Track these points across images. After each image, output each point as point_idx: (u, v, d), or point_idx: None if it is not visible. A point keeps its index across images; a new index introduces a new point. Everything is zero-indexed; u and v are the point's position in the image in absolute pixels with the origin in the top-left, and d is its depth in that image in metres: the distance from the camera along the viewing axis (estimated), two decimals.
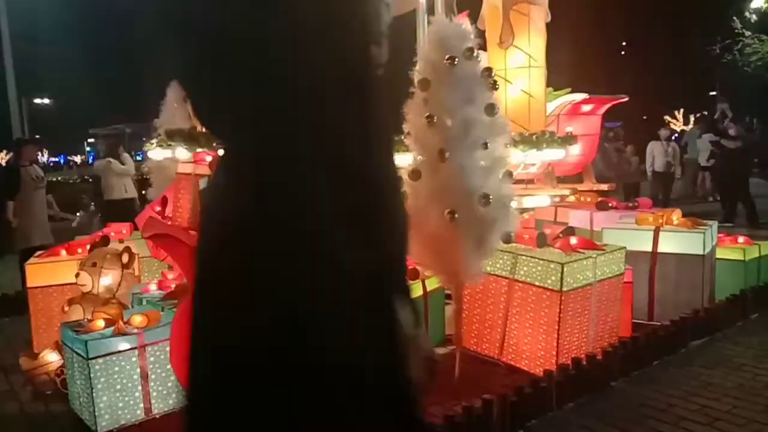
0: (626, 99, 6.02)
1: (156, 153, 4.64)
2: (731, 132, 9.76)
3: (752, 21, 24.75)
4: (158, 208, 3.82)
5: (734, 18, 24.71)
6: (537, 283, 3.33)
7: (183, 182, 3.05)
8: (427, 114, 3.20)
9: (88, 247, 4.03)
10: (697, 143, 12.81)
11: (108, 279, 3.58)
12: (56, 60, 32.42)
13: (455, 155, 3.13)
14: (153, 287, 3.61)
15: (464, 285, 3.33)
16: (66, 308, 3.54)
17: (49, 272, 3.90)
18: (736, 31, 24.62)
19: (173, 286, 3.48)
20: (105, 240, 4.13)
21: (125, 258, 3.66)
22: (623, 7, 25.71)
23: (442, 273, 3.29)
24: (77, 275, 3.57)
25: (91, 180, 14.73)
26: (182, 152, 4.19)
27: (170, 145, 4.33)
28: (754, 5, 25.34)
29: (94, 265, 3.58)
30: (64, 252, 4.13)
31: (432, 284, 3.69)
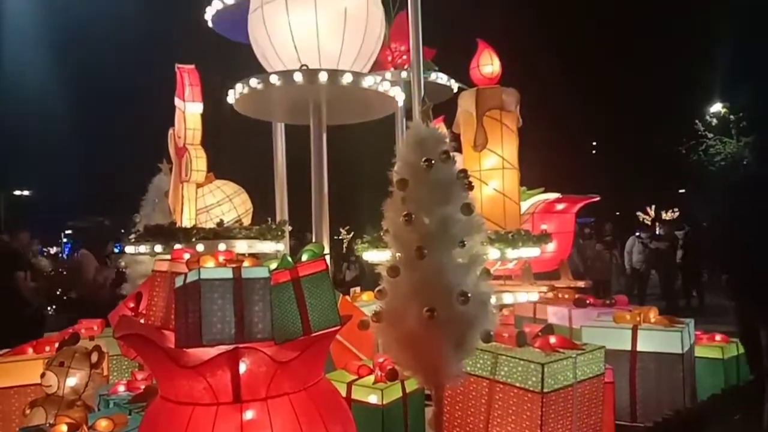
0: (598, 199, 6.23)
1: (133, 248, 4.62)
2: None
3: (713, 124, 26.25)
4: (132, 304, 3.75)
5: (696, 121, 26.22)
6: (518, 384, 3.28)
7: (159, 279, 3.02)
8: (405, 212, 3.27)
9: (56, 345, 3.90)
10: None
11: (74, 379, 3.44)
12: (37, 152, 32.74)
13: (433, 253, 3.16)
14: (121, 388, 3.47)
15: (444, 386, 3.26)
16: (27, 411, 3.36)
17: (14, 372, 3.74)
18: (699, 133, 26.04)
19: (143, 387, 3.35)
20: (75, 337, 4.00)
21: (94, 357, 3.54)
22: (591, 109, 27.12)
23: (421, 373, 3.23)
24: (43, 375, 3.42)
25: (65, 273, 14.46)
26: (160, 248, 4.18)
27: (148, 240, 4.32)
28: (713, 109, 26.96)
29: (62, 364, 3.45)
30: (30, 350, 3.98)
31: (411, 385, 3.61)
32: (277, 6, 4.20)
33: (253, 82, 4.14)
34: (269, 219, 5.52)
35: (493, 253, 4.19)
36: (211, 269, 2.47)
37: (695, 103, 27.10)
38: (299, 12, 4.16)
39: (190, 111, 4.40)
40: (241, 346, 2.29)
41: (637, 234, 12.04)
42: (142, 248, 4.43)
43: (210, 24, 5.48)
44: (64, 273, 14.18)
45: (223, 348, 2.26)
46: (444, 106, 5.82)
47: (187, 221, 4.48)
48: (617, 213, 24.93)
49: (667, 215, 28.42)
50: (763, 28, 24.65)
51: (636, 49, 28.37)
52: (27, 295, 7.03)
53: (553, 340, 3.54)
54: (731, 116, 25.46)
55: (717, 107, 26.68)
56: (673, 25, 27.82)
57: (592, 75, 26.89)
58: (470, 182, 3.44)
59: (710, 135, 25.89)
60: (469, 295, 2.99)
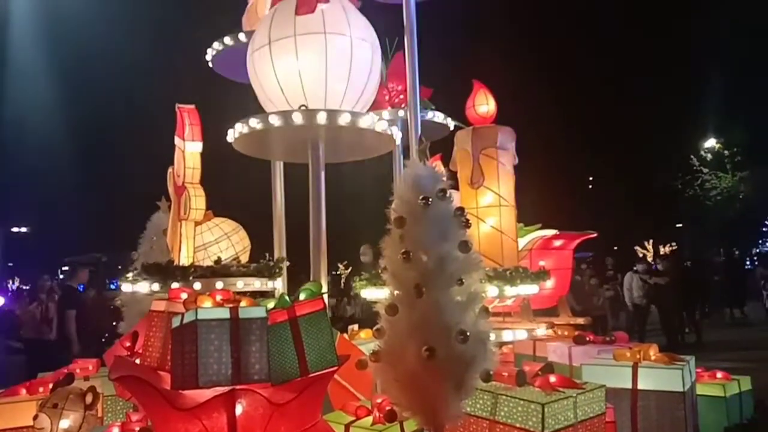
0: (595, 235, 6.25)
1: (130, 286, 4.61)
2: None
3: (708, 159, 26.53)
4: (128, 344, 3.72)
5: (691, 156, 26.49)
6: (518, 425, 3.23)
7: (156, 319, 3.01)
8: (404, 250, 3.28)
9: (50, 385, 3.85)
10: None
11: (68, 421, 3.39)
12: (35, 188, 32.84)
13: (431, 291, 3.16)
14: (116, 430, 3.41)
15: (444, 427, 3.21)
16: None
17: (6, 414, 3.68)
18: (695, 168, 26.29)
19: (137, 429, 3.30)
20: (69, 378, 3.96)
21: (89, 398, 3.49)
22: (587, 144, 27.39)
23: (420, 414, 3.19)
24: (35, 417, 3.37)
25: None
26: (157, 287, 4.17)
27: (146, 278, 4.31)
28: (707, 144, 27.27)
29: (55, 406, 3.40)
30: (24, 391, 3.93)
31: (410, 426, 3.56)
32: (277, 47, 4.29)
33: (253, 121, 4.20)
34: (266, 255, 5.52)
35: (491, 290, 4.19)
36: (208, 309, 2.47)
37: (690, 139, 27.43)
38: (299, 54, 4.24)
39: (189, 150, 4.45)
40: (237, 387, 2.27)
41: (635, 269, 12.02)
42: (140, 286, 4.41)
43: (210, 64, 5.58)
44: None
45: (219, 390, 2.24)
46: (441, 144, 5.89)
47: (184, 259, 4.48)
48: (615, 247, 24.93)
49: (665, 249, 28.47)
50: (755, 64, 25.14)
51: (630, 84, 28.82)
52: None
53: (553, 379, 3.51)
54: (725, 151, 25.77)
55: (711, 142, 27.01)
56: (667, 62, 28.31)
57: (587, 110, 27.25)
58: (467, 220, 3.46)
59: (705, 170, 26.16)
60: (468, 334, 2.98)
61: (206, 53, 5.47)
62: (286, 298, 2.72)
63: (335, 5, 4.32)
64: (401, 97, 5.86)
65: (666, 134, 27.10)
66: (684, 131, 27.26)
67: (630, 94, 28.66)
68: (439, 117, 5.72)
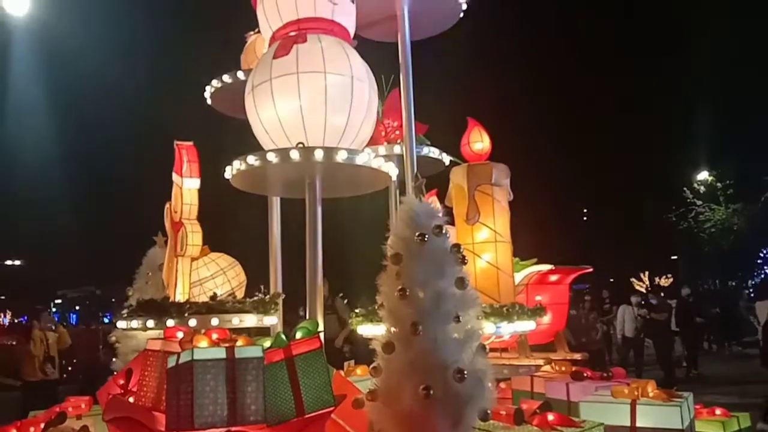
0: (591, 270, 6.27)
1: (125, 323, 4.57)
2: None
3: (701, 191, 26.77)
4: (122, 381, 3.68)
5: (685, 189, 26.73)
6: None
7: (151, 359, 2.99)
8: (400, 287, 3.29)
9: (42, 425, 3.79)
10: None
11: None
12: (29, 221, 32.75)
13: (428, 328, 3.16)
14: None
15: None
16: None
17: None
18: (688, 200, 26.51)
19: None
20: (61, 417, 3.91)
21: None
22: (581, 176, 27.63)
23: None
24: None
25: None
26: (152, 324, 4.14)
27: (141, 315, 4.28)
28: (700, 177, 27.54)
29: None
30: (14, 431, 3.86)
31: None
32: (277, 84, 4.36)
33: (251, 159, 4.23)
34: (261, 287, 5.48)
35: (488, 327, 4.18)
36: (204, 349, 2.46)
37: (683, 171, 27.71)
38: (310, 89, 4.31)
39: (187, 186, 4.47)
40: (233, 429, 2.25)
41: (630, 303, 12.02)
42: (134, 323, 4.38)
43: (209, 101, 5.65)
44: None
45: (215, 431, 2.22)
46: (437, 179, 5.94)
47: (180, 296, 4.46)
48: (611, 280, 24.94)
49: (661, 281, 28.48)
50: (746, 98, 25.57)
51: (623, 117, 29.23)
52: None
53: (551, 417, 3.49)
54: (718, 184, 26.02)
55: (704, 175, 27.30)
56: (659, 95, 28.75)
57: (580, 144, 27.55)
58: (464, 256, 3.48)
59: (699, 202, 26.37)
60: (466, 372, 2.97)
61: (205, 90, 5.54)
62: (283, 336, 2.71)
63: (333, 45, 4.40)
64: (397, 132, 5.93)
65: (659, 166, 27.37)
66: (677, 163, 27.57)
67: (623, 126, 29.05)
68: (434, 152, 5.78)
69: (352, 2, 4.68)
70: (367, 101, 4.45)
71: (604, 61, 29.44)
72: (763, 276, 27.19)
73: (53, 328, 9.82)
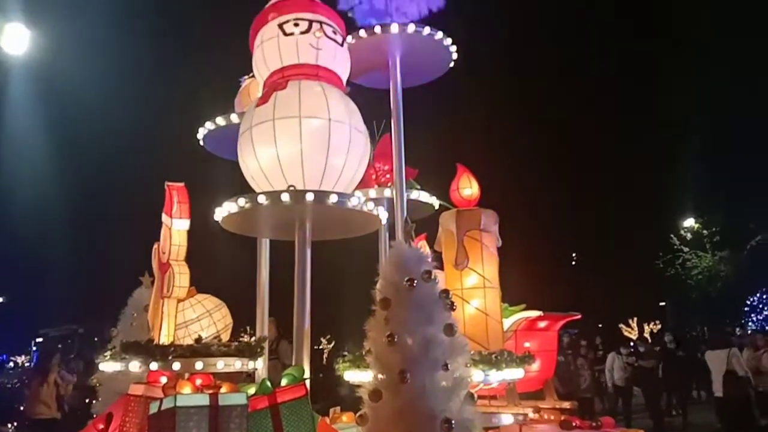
0: (579, 317, 6.27)
1: (107, 365, 4.49)
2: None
3: (687, 238, 27.02)
4: (101, 426, 3.59)
5: (671, 235, 26.98)
6: None
7: (132, 404, 2.92)
8: (388, 333, 3.27)
9: None
10: None
11: None
12: (12, 257, 32.30)
13: (416, 376, 3.13)
14: None
15: None
16: None
17: None
18: (675, 247, 26.73)
19: None
20: None
21: None
22: (569, 222, 27.84)
23: None
24: None
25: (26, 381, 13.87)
26: (135, 366, 4.06)
27: (124, 357, 4.20)
28: (686, 224, 27.85)
29: None
30: None
31: None
32: (265, 128, 4.42)
33: (241, 201, 4.24)
34: (247, 328, 5.39)
35: (476, 375, 4.14)
36: (188, 395, 2.42)
37: (670, 218, 28.03)
38: (286, 135, 4.36)
39: (176, 227, 4.45)
40: None
41: (619, 351, 11.96)
42: (117, 365, 4.30)
43: (201, 142, 5.69)
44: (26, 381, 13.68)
45: None
46: (426, 223, 5.97)
47: (164, 338, 4.39)
48: (600, 325, 24.85)
49: (649, 327, 28.43)
50: (732, 146, 26.12)
51: (611, 163, 29.65)
52: None
53: None
54: (704, 231, 26.30)
55: (690, 222, 27.61)
56: (646, 141, 29.27)
57: (568, 190, 27.86)
58: (452, 302, 3.48)
59: (686, 249, 26.58)
60: (453, 422, 2.93)
61: (198, 132, 5.59)
62: (268, 383, 2.67)
63: (311, 89, 4.44)
64: (388, 176, 5.98)
65: (647, 212, 27.66)
66: (664, 210, 27.89)
67: (611, 172, 29.46)
68: (424, 196, 5.83)
69: (342, 45, 4.75)
70: (348, 142, 4.44)
71: (594, 106, 30.07)
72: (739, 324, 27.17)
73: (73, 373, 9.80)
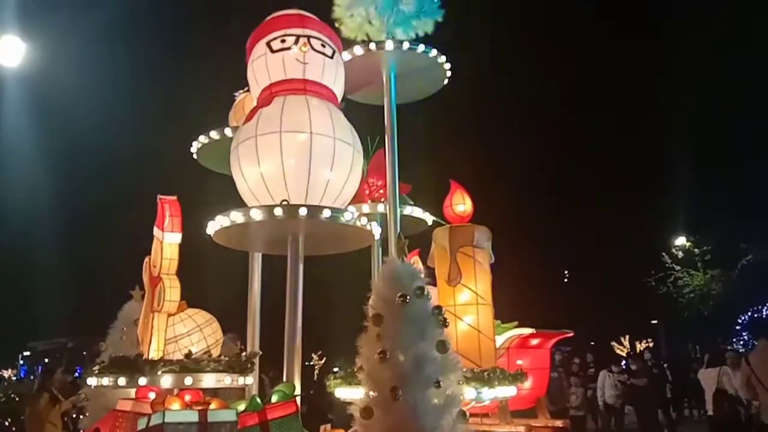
0: (572, 334, 6.26)
1: (95, 380, 4.42)
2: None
3: (679, 257, 27.12)
4: None
5: (663, 254, 27.07)
6: None
7: (120, 420, 2.88)
8: (380, 349, 3.24)
9: None
10: None
11: None
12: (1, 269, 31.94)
13: (408, 393, 3.11)
14: None
15: None
16: None
17: None
18: (667, 265, 26.81)
19: None
20: None
21: None
22: (562, 240, 27.91)
23: None
24: None
25: (17, 399, 13.65)
26: (124, 381, 4.01)
27: (113, 372, 4.14)
28: (678, 242, 27.96)
29: None
30: None
31: None
32: (249, 145, 4.45)
33: (234, 215, 4.23)
34: (238, 343, 5.34)
35: (469, 392, 4.11)
36: (176, 412, 2.39)
37: (662, 236, 28.14)
38: (267, 150, 4.38)
39: (168, 241, 4.43)
40: None
41: (610, 369, 11.91)
42: (105, 380, 4.24)
43: (195, 156, 5.68)
44: (17, 400, 13.39)
45: None
46: (419, 238, 5.97)
47: (154, 353, 4.34)
48: (592, 343, 24.81)
49: (641, 345, 28.39)
50: (722, 164, 26.36)
51: (604, 180, 29.81)
52: None
53: None
54: (696, 249, 26.41)
55: (681, 240, 27.72)
56: (639, 159, 29.49)
57: (560, 207, 27.97)
58: (445, 318, 3.47)
59: (677, 267, 26.67)
60: None
61: (191, 145, 5.58)
62: (258, 400, 2.64)
63: (294, 103, 4.45)
64: (381, 191, 5.99)
65: (639, 230, 27.77)
66: (656, 228, 28.01)
67: (603, 189, 29.61)
68: (417, 212, 5.83)
69: (331, 57, 4.71)
70: (333, 155, 4.41)
71: (587, 125, 30.32)
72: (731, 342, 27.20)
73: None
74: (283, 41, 4.56)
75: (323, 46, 4.66)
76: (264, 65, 4.60)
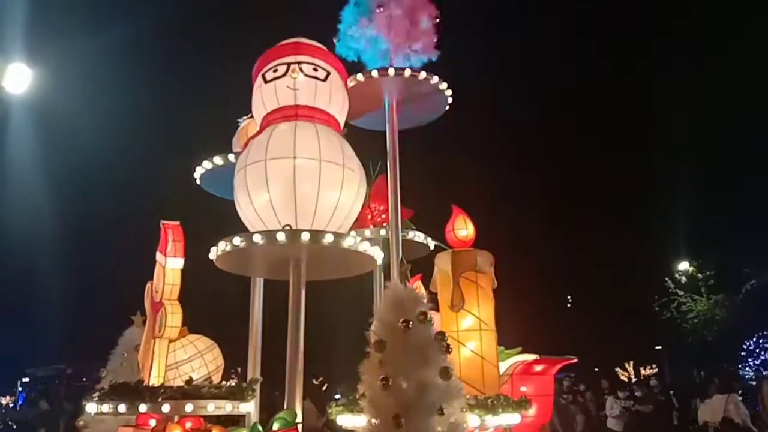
0: (575, 360, 6.21)
1: (95, 407, 4.37)
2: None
3: (682, 282, 26.98)
4: None
5: (666, 279, 26.94)
6: None
7: None
8: (383, 376, 3.22)
9: None
10: None
11: None
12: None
13: (411, 421, 3.08)
14: None
15: None
16: None
17: None
18: (670, 290, 26.65)
19: None
20: None
21: None
22: (565, 264, 27.80)
23: None
24: None
25: (15, 427, 13.52)
26: (124, 408, 3.97)
27: (113, 399, 4.11)
28: (681, 267, 27.84)
29: None
30: None
31: None
32: (241, 175, 4.51)
33: (237, 240, 4.24)
34: (238, 369, 5.29)
35: (472, 420, 4.07)
36: None
37: (665, 260, 28.02)
38: (254, 179, 4.44)
39: (170, 266, 4.43)
40: None
41: (617, 395, 11.81)
42: (105, 407, 4.20)
43: (198, 181, 5.70)
44: (15, 428, 13.24)
45: None
46: (422, 263, 5.96)
47: (154, 379, 4.31)
48: (596, 369, 24.56)
49: (645, 371, 28.08)
50: (727, 192, 26.37)
51: (606, 205, 29.79)
52: None
53: None
54: (699, 274, 26.28)
55: (685, 265, 27.61)
56: (641, 185, 29.50)
57: (563, 232, 27.91)
58: (448, 345, 3.44)
59: (681, 292, 26.50)
60: None
61: (194, 170, 5.60)
62: (259, 427, 2.61)
63: (308, 132, 4.48)
64: (383, 216, 6.00)
65: (642, 254, 27.64)
66: (659, 252, 27.88)
67: (606, 214, 29.57)
68: (419, 237, 5.83)
69: (325, 80, 4.70)
70: (318, 177, 4.40)
71: (588, 151, 30.41)
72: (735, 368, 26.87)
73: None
74: (275, 71, 4.64)
75: (315, 69, 4.67)
76: (260, 97, 4.71)
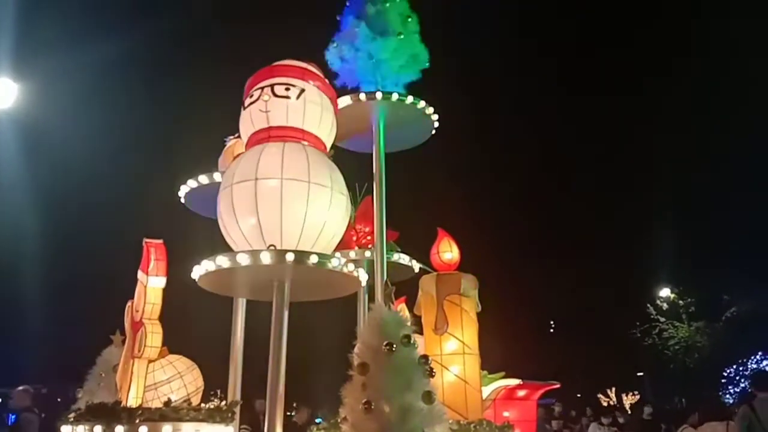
0: (558, 385, 6.20)
1: (70, 428, 4.27)
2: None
3: (664, 308, 27.17)
4: None
5: (648, 305, 27.12)
6: None
7: None
8: (365, 400, 3.18)
9: None
10: None
11: None
12: None
13: None
14: None
15: None
16: None
17: None
18: (652, 317, 26.82)
19: None
20: None
21: None
22: (548, 289, 27.93)
23: None
24: None
25: None
26: (100, 430, 3.88)
27: (89, 420, 4.02)
28: (662, 294, 28.06)
29: None
30: None
31: None
32: (219, 199, 4.51)
33: (220, 260, 4.19)
34: (217, 391, 5.22)
35: None
36: None
37: (646, 287, 28.25)
38: (223, 203, 4.47)
39: (152, 285, 4.38)
40: None
41: (600, 421, 11.80)
42: (81, 428, 4.11)
43: (182, 200, 5.67)
44: None
45: None
46: (406, 286, 5.95)
47: (132, 400, 4.22)
48: (579, 395, 24.52)
49: (628, 398, 28.08)
50: (705, 216, 26.74)
51: (588, 231, 30.06)
52: None
53: None
54: (680, 301, 26.49)
55: (666, 292, 27.84)
56: (622, 211, 29.85)
57: (547, 257, 28.08)
58: (432, 368, 3.42)
59: (662, 319, 26.67)
60: None
61: (179, 189, 5.58)
62: None
63: (272, 152, 4.47)
64: (368, 238, 6.00)
65: (624, 281, 27.85)
66: (640, 279, 28.13)
67: (588, 241, 29.84)
68: (404, 259, 5.83)
69: (298, 98, 4.60)
70: (280, 199, 4.33)
71: (572, 179, 30.80)
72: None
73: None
74: (251, 96, 4.65)
75: (287, 89, 4.59)
76: (242, 124, 4.74)
